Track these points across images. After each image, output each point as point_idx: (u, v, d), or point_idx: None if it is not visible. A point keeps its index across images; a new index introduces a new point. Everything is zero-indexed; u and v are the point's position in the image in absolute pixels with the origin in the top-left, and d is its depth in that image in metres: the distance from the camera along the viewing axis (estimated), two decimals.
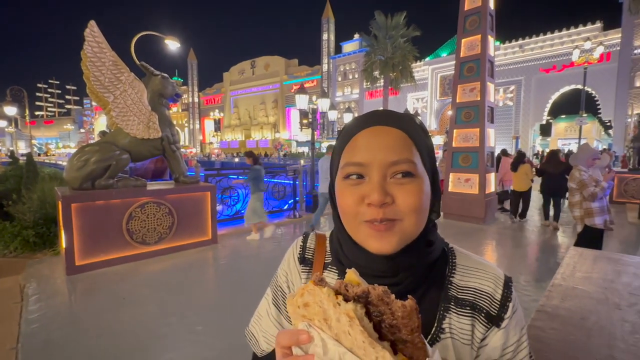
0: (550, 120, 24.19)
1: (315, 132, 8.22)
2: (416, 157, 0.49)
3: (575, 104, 16.88)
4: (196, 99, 49.58)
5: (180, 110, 50.39)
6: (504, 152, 8.21)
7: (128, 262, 4.17)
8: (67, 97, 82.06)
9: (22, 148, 44.97)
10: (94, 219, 3.93)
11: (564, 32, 22.90)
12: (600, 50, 11.96)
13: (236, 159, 27.48)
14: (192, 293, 3.44)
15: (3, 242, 4.46)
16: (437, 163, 0.55)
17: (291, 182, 7.55)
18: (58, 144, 64.83)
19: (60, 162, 23.33)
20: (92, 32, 3.95)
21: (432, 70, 28.94)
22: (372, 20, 20.43)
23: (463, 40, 6.91)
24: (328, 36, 35.86)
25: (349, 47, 34.63)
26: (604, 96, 21.33)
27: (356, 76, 33.45)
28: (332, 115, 9.81)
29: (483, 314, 0.51)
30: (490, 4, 6.75)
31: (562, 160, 6.24)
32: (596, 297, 1.38)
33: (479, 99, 6.62)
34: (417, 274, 0.51)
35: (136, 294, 3.38)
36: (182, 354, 2.39)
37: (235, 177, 6.89)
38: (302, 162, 10.39)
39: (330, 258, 0.59)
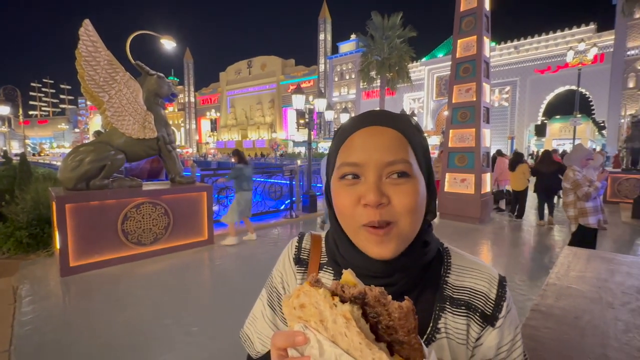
0: (545, 121, 24.41)
1: (312, 132, 8.21)
2: (412, 157, 0.49)
3: (570, 105, 17.07)
4: (192, 99, 49.36)
5: (176, 110, 50.14)
6: (499, 153, 8.27)
7: (123, 263, 4.13)
8: (62, 96, 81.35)
9: (15, 148, 44.46)
10: (89, 219, 3.90)
11: (559, 33, 23.13)
12: (594, 51, 12.07)
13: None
14: (188, 294, 3.43)
15: None
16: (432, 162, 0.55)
17: (288, 182, 7.54)
18: (52, 143, 64.21)
19: (54, 162, 23.11)
20: (87, 31, 3.91)
21: (428, 71, 29.08)
22: (369, 21, 20.47)
23: (459, 41, 6.95)
24: (325, 36, 35.88)
25: (345, 47, 34.69)
26: (597, 97, 21.57)
27: (353, 76, 33.49)
28: (329, 115, 9.79)
29: (478, 314, 0.51)
30: (485, 5, 6.79)
31: (555, 160, 6.31)
32: (590, 296, 1.39)
33: (474, 99, 6.66)
34: (413, 275, 0.51)
35: (131, 295, 3.35)
36: (177, 356, 2.38)
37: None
38: (298, 162, 10.39)
39: (326, 258, 0.59)
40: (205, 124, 47.89)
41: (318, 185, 8.64)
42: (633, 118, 10.11)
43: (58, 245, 3.75)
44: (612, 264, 1.77)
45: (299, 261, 0.61)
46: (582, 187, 3.30)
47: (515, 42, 24.86)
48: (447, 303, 0.52)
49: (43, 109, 78.95)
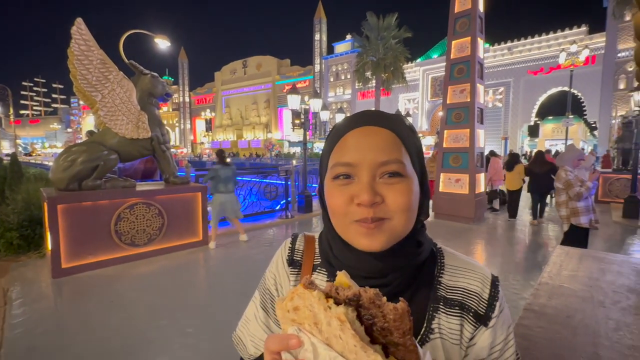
0: (538, 122, 24.70)
1: (308, 133, 8.21)
2: (405, 157, 0.49)
3: (562, 106, 17.29)
4: (187, 99, 49.02)
5: (170, 110, 49.74)
6: (492, 153, 8.35)
7: (116, 264, 4.09)
8: (54, 95, 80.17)
9: (6, 148, 43.78)
10: (81, 220, 3.85)
11: (551, 35, 23.41)
12: (585, 53, 12.25)
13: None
14: (183, 295, 3.40)
15: None
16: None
17: (283, 182, 7.53)
18: (44, 143, 63.26)
19: (46, 163, 22.76)
20: (80, 30, 3.87)
21: (423, 72, 29.23)
22: (364, 21, 20.53)
23: (453, 42, 7.00)
24: (320, 36, 35.87)
25: (341, 47, 34.72)
26: (589, 98, 21.87)
27: (348, 77, 33.55)
28: (324, 115, 9.81)
29: (471, 314, 0.51)
30: (479, 6, 6.85)
31: (547, 160, 6.40)
32: (582, 295, 1.41)
33: (469, 100, 6.71)
34: (407, 275, 0.51)
35: (125, 296, 3.32)
36: (173, 358, 2.36)
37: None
38: (294, 162, 10.38)
39: (319, 260, 0.59)
40: (200, 124, 47.58)
41: (313, 185, 8.65)
42: (624, 119, 10.27)
43: (50, 247, 3.70)
44: (604, 263, 1.80)
45: (292, 263, 0.61)
46: (573, 187, 3.34)
47: (509, 44, 25.12)
48: (441, 303, 0.52)
49: (35, 108, 77.75)
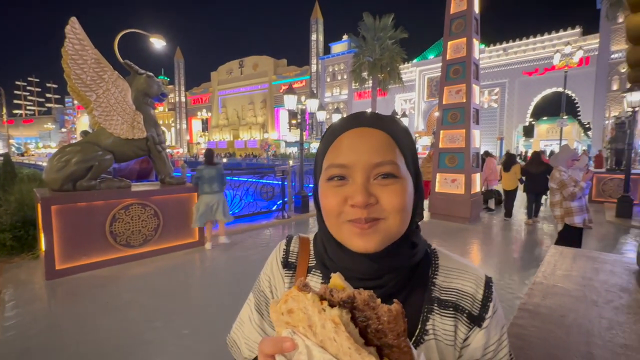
0: (533, 122, 24.92)
1: (304, 133, 8.21)
2: (399, 158, 0.49)
3: (557, 106, 17.46)
4: (183, 99, 48.76)
5: (166, 110, 49.46)
6: (487, 153, 8.41)
7: (111, 265, 4.06)
8: (48, 95, 79.36)
9: None
10: (76, 221, 3.81)
11: (546, 36, 23.61)
12: (579, 54, 12.39)
13: (224, 159, 27.20)
14: (178, 296, 3.38)
15: None
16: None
17: (280, 182, 7.52)
18: (38, 143, 62.58)
19: (40, 163, 22.53)
20: (74, 29, 3.83)
21: (419, 72, 29.34)
22: (361, 22, 20.56)
23: (449, 43, 7.04)
24: (317, 37, 35.88)
25: (337, 47, 34.75)
26: (583, 99, 22.09)
27: (345, 77, 33.57)
28: (321, 115, 9.79)
29: (465, 315, 0.51)
30: (475, 7, 6.89)
31: (543, 161, 6.47)
32: (575, 295, 1.42)
33: (464, 100, 6.75)
34: (401, 276, 0.51)
35: (120, 298, 3.29)
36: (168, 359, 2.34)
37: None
38: (290, 162, 10.37)
39: (314, 262, 0.59)
40: (196, 124, 47.34)
41: (310, 185, 8.64)
42: (617, 119, 10.37)
43: (43, 248, 3.66)
44: (597, 262, 1.82)
45: (287, 265, 0.60)
46: (567, 187, 3.37)
47: (504, 45, 25.29)
48: (435, 304, 0.52)
49: (28, 108, 76.88)
